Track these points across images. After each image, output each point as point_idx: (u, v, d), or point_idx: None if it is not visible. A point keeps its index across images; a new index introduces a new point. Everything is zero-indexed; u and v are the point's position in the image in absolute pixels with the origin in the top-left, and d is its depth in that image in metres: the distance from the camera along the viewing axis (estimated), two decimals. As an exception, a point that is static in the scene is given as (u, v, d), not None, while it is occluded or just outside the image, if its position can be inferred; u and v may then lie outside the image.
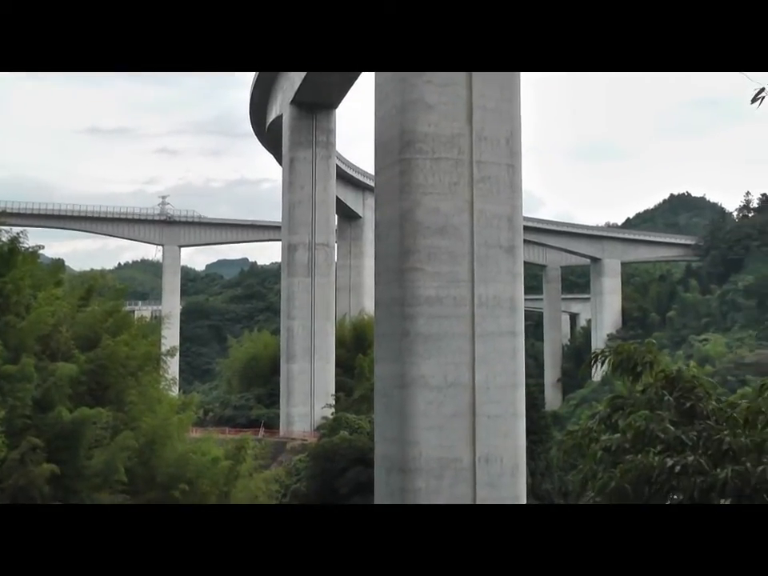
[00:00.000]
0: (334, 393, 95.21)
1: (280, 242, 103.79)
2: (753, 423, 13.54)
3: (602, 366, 16.18)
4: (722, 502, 12.81)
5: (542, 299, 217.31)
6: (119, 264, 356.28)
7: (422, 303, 38.14)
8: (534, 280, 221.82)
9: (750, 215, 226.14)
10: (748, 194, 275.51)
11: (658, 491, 13.41)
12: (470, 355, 38.03)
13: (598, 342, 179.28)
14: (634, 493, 13.39)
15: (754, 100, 11.21)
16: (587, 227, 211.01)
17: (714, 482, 12.98)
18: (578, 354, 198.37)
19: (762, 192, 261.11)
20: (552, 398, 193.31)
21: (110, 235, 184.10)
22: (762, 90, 11.14)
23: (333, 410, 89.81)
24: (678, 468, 13.25)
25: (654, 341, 17.67)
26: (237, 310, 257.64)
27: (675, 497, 13.50)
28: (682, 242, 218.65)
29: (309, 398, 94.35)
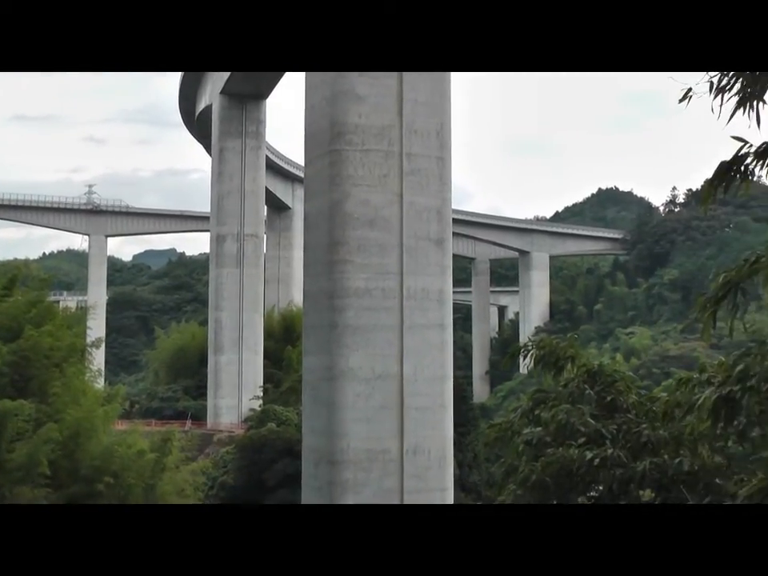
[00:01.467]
0: (262, 385, 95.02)
1: (209, 233, 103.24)
2: (671, 416, 13.61)
3: (524, 359, 16.40)
4: (641, 493, 13.12)
5: (470, 292, 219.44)
6: (44, 254, 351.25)
7: (350, 295, 38.21)
8: (463, 273, 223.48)
9: (675, 210, 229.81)
10: (674, 188, 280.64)
11: (579, 484, 13.67)
12: (399, 347, 38.18)
13: (526, 335, 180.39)
14: (555, 486, 13.63)
15: (682, 99, 11.48)
16: (516, 220, 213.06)
17: (633, 474, 13.27)
18: (506, 346, 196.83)
19: (688, 187, 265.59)
20: (480, 390, 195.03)
21: (35, 224, 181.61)
22: (690, 89, 11.44)
23: (261, 401, 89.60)
24: (597, 461, 13.47)
25: (577, 335, 17.93)
26: (164, 300, 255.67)
27: (595, 490, 13.77)
28: (610, 235, 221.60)
29: (237, 390, 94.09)
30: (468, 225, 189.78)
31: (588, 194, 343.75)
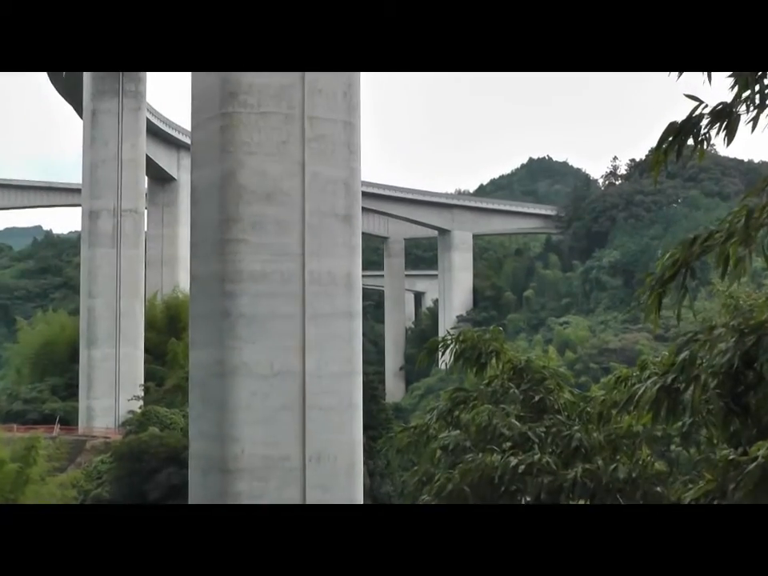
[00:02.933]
0: (142, 383, 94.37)
1: (80, 208, 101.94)
2: (607, 418, 13.63)
3: (442, 355, 16.36)
4: (572, 503, 13.18)
5: (383, 276, 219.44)
6: None
7: (245, 279, 38.05)
8: (374, 254, 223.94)
9: (617, 183, 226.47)
10: (615, 159, 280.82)
11: (503, 493, 13.66)
12: (301, 339, 38.09)
13: (446, 325, 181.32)
14: (474, 495, 13.56)
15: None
16: (435, 194, 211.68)
17: (563, 482, 13.32)
18: (424, 338, 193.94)
19: (631, 157, 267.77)
20: (394, 389, 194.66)
21: None
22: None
23: (141, 402, 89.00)
24: (522, 467, 13.43)
25: (504, 325, 18.03)
26: (28, 286, 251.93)
27: (522, 499, 13.77)
28: (541, 212, 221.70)
29: (113, 389, 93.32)
30: (380, 199, 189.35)
31: (517, 165, 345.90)
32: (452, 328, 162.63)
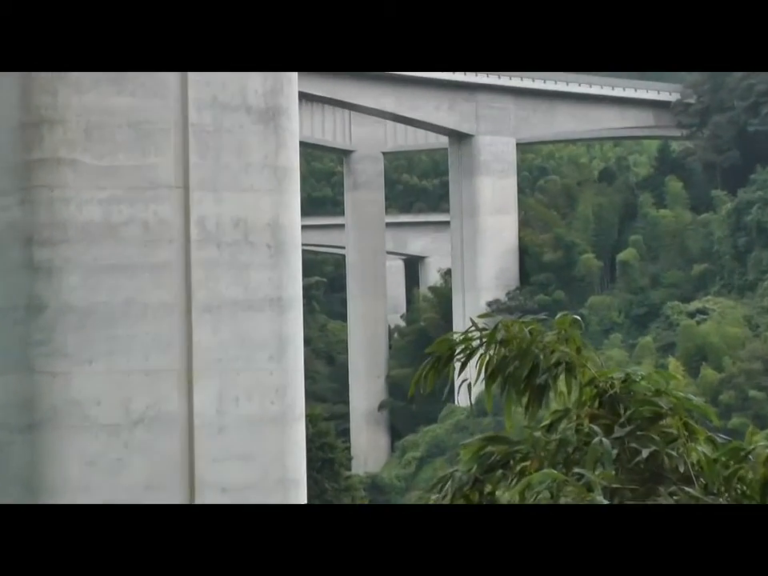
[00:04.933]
0: None
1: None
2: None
3: (461, 371, 10.21)
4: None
5: (343, 227, 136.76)
6: None
7: (73, 238, 22.64)
8: (326, 185, 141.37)
9: None
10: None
11: None
12: (183, 355, 22.64)
13: (467, 318, 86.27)
14: None
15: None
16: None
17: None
18: (424, 344, 72.78)
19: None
20: (369, 445, 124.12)
21: None
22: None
23: None
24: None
25: (579, 319, 9.91)
26: None
27: None
28: (650, 96, 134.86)
29: None
30: (337, 79, 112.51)
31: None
32: (479, 318, 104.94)
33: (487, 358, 9.96)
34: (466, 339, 10.01)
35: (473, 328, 10.03)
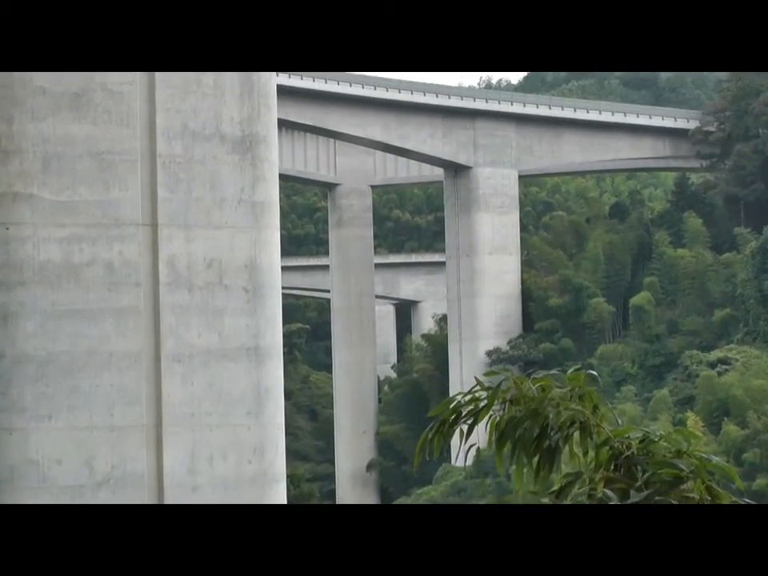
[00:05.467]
0: None
1: None
2: None
3: (466, 438, 9.76)
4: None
5: (327, 268, 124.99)
6: None
7: (30, 280, 21.42)
8: (309, 222, 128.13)
9: None
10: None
11: None
12: (151, 413, 21.40)
13: (465, 369, 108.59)
14: None
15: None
16: (436, 88, 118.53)
17: None
18: (418, 398, 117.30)
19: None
20: None
21: None
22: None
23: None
24: None
25: (593, 370, 9.90)
26: None
27: None
28: (666, 124, 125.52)
29: None
30: (322, 102, 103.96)
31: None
32: (490, 365, 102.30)
33: (497, 418, 9.35)
34: (474, 399, 9.38)
35: (477, 387, 9.43)
